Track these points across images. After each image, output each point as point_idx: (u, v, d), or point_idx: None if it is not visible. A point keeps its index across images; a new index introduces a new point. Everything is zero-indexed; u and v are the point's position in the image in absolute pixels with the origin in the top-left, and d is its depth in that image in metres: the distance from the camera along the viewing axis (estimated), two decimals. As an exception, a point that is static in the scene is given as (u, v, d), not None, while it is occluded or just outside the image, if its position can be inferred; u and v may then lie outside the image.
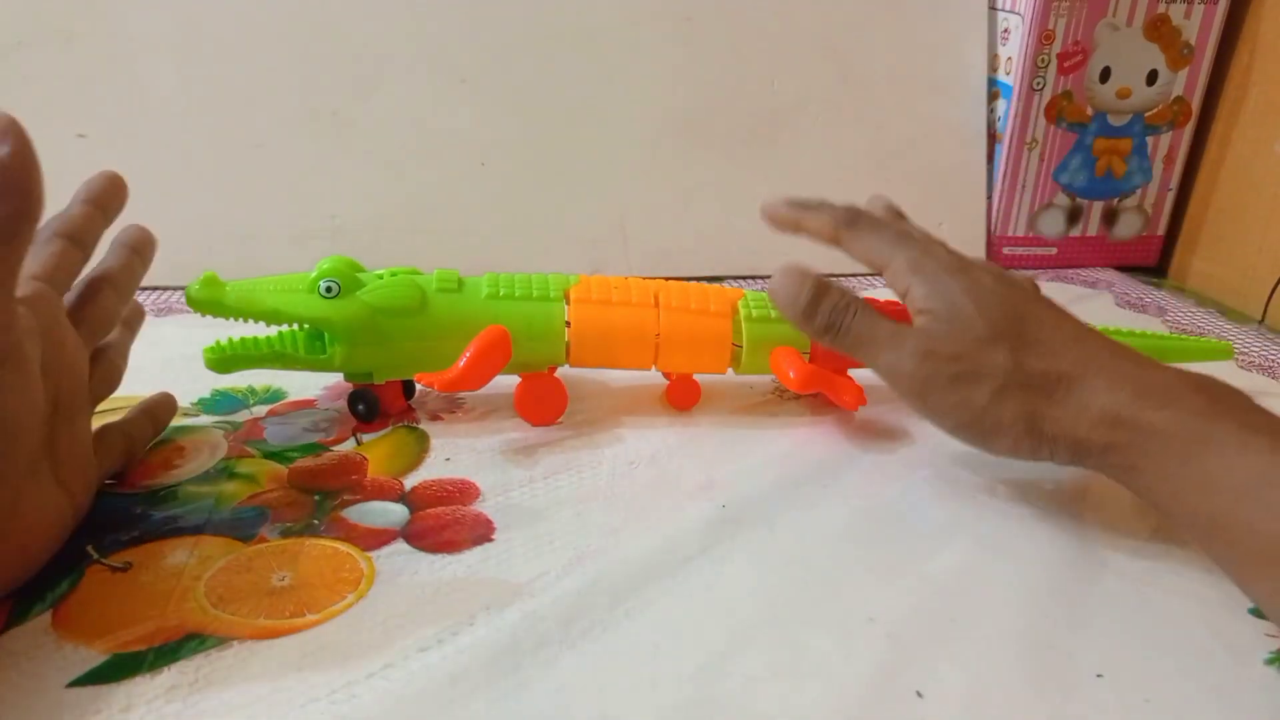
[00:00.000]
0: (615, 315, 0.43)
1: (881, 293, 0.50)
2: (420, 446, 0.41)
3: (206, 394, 0.45)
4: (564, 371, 0.44)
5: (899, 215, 0.43)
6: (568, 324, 0.42)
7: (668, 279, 0.46)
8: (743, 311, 0.44)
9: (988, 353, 0.35)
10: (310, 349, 0.42)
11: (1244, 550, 0.30)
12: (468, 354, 0.40)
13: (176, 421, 0.42)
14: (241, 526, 0.35)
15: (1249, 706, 0.28)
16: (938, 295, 0.36)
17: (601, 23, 0.65)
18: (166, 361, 0.48)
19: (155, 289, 0.58)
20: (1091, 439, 0.33)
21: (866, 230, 0.39)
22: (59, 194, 0.58)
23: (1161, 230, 0.72)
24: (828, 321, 0.38)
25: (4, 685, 0.27)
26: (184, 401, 0.43)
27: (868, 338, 0.37)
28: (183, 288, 0.59)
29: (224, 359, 0.41)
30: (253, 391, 0.46)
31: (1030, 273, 0.70)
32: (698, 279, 0.48)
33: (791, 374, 0.42)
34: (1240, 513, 0.29)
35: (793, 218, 0.41)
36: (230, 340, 0.41)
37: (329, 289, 0.40)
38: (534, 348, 0.42)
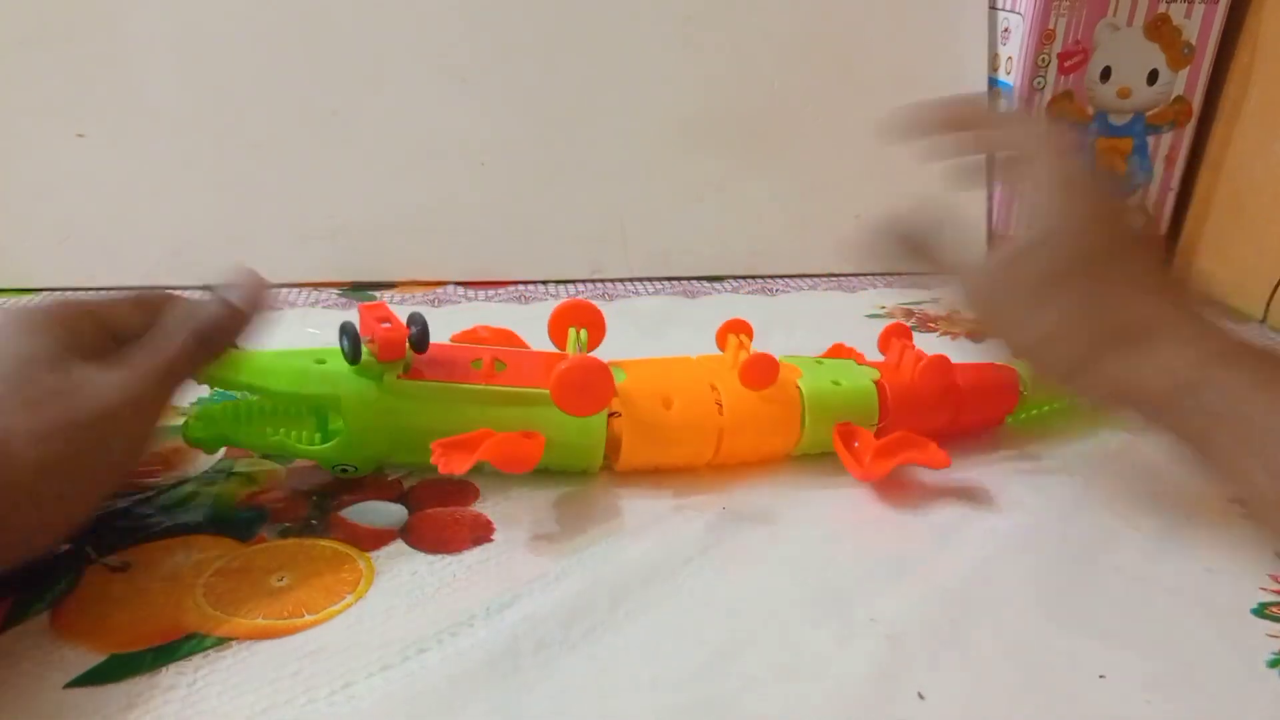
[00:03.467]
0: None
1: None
2: (420, 446, 0.41)
3: (206, 394, 0.45)
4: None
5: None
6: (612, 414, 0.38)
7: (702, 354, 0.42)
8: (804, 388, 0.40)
9: (1067, 278, 0.34)
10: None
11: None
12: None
13: (176, 421, 0.42)
14: (241, 526, 0.35)
15: (1252, 709, 0.28)
16: (1043, 210, 0.36)
17: (602, 23, 0.65)
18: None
19: (154, 289, 0.58)
20: (1155, 390, 0.33)
21: (1014, 123, 0.41)
22: (58, 194, 0.58)
23: (1162, 230, 0.72)
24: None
25: (4, 685, 0.27)
26: (183, 402, 0.43)
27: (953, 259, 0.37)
28: (181, 287, 0.60)
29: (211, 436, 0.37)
30: (252, 391, 0.46)
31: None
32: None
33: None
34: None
35: (941, 118, 0.42)
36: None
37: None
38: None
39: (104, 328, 0.33)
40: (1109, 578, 0.34)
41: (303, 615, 0.30)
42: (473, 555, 0.34)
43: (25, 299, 0.34)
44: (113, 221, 0.59)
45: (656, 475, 0.39)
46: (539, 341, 0.42)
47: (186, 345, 0.33)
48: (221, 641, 0.29)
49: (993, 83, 0.70)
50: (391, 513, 0.36)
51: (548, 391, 0.35)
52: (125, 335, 0.34)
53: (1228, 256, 0.68)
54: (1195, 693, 0.29)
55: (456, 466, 0.33)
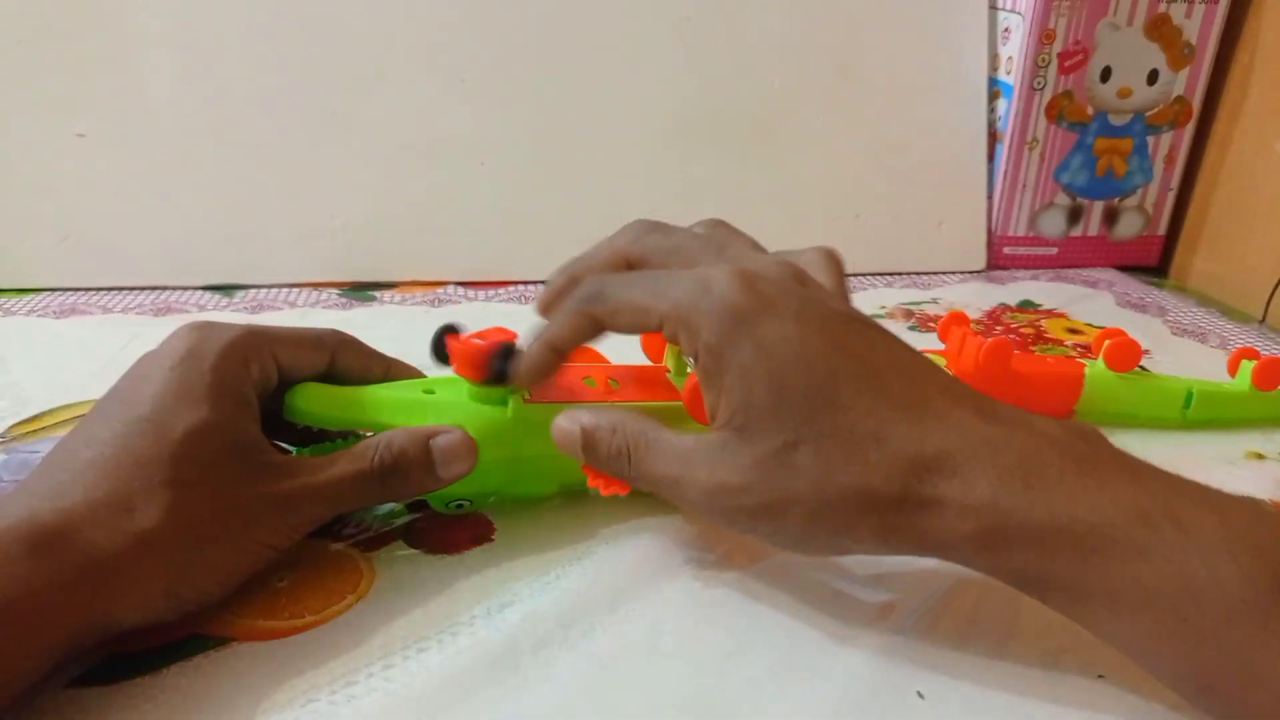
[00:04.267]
0: None
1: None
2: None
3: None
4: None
5: (656, 229, 0.34)
6: None
7: None
8: None
9: (789, 465, 0.27)
10: None
11: (1171, 669, 0.26)
12: None
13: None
14: (241, 526, 0.35)
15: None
16: (723, 373, 0.28)
17: (601, 22, 0.65)
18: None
19: (154, 289, 0.58)
20: (949, 541, 0.27)
21: (618, 295, 0.31)
22: (58, 194, 0.58)
23: (1162, 230, 0.72)
24: (614, 471, 0.31)
25: (3, 685, 0.27)
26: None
27: (658, 477, 0.30)
28: (181, 287, 0.60)
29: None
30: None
31: (1031, 272, 0.70)
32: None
33: None
34: (1161, 631, 0.25)
35: (548, 351, 0.32)
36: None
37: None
38: None
39: (278, 364, 0.32)
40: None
41: (304, 615, 0.30)
42: (473, 555, 0.34)
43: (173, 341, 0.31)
44: (113, 221, 0.59)
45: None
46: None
47: (362, 479, 0.31)
48: (222, 641, 0.29)
49: (993, 82, 0.70)
50: (392, 513, 0.36)
51: (677, 404, 0.34)
52: (295, 375, 0.33)
53: (1228, 256, 0.68)
54: (1195, 693, 0.29)
55: (619, 488, 0.32)
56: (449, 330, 0.35)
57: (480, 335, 0.34)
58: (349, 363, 0.34)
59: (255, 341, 0.31)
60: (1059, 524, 0.26)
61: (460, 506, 0.36)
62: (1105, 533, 0.25)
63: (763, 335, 0.28)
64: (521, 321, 0.38)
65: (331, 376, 0.34)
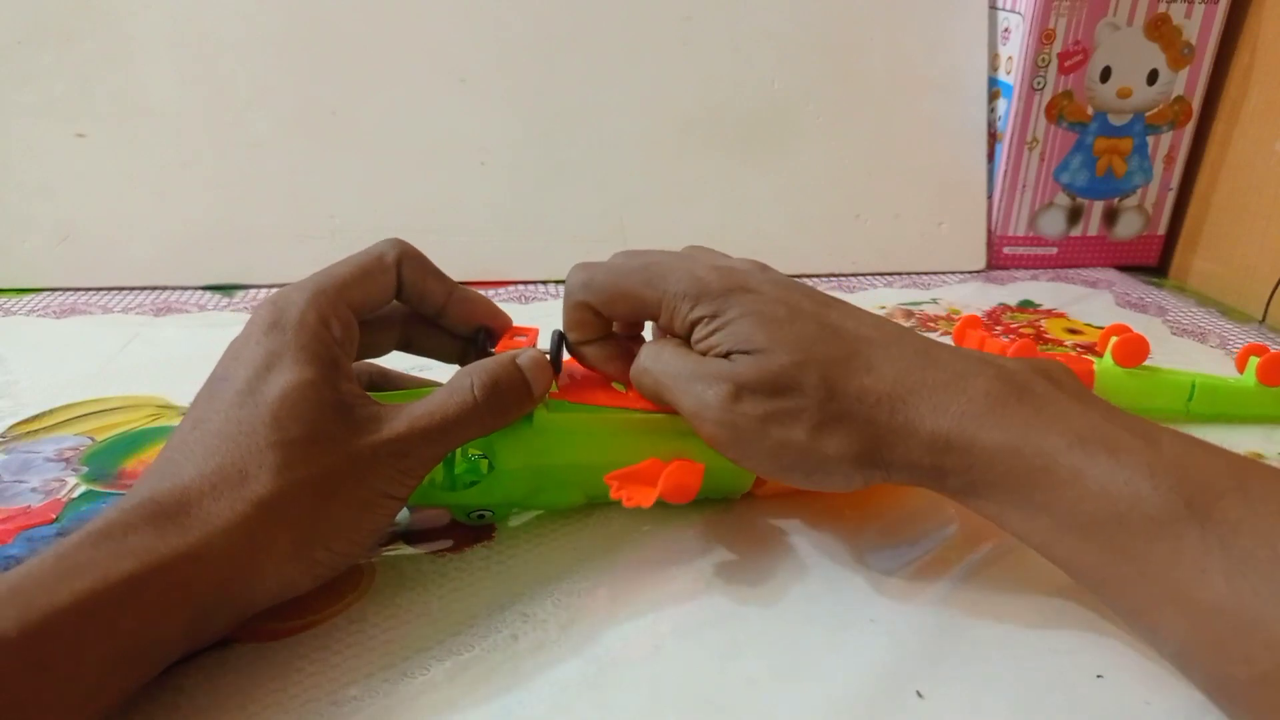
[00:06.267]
0: None
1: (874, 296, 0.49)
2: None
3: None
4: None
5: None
6: None
7: None
8: None
9: (798, 382, 0.30)
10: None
11: (1109, 592, 0.29)
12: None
13: (176, 423, 0.42)
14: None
15: (1250, 707, 0.28)
16: (735, 320, 0.31)
17: (601, 22, 0.65)
18: (167, 361, 0.48)
19: (155, 289, 0.58)
20: (922, 463, 0.30)
21: (608, 282, 0.33)
22: (58, 194, 0.58)
23: (1162, 230, 0.72)
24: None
25: (3, 686, 0.27)
26: (184, 402, 0.43)
27: (671, 374, 0.32)
28: (181, 287, 0.60)
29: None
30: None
31: (1031, 272, 0.70)
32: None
33: None
34: (1097, 551, 0.28)
35: (583, 346, 0.35)
36: None
37: None
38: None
39: (356, 311, 0.32)
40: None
41: (304, 615, 0.30)
42: (473, 555, 0.34)
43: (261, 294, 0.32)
44: (113, 221, 0.59)
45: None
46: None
47: (470, 411, 0.31)
48: (223, 642, 0.29)
49: (993, 82, 0.70)
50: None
51: None
52: (372, 308, 0.33)
53: (1227, 256, 0.68)
54: (1194, 694, 0.29)
55: (644, 500, 0.32)
56: (488, 333, 0.36)
57: (514, 334, 0.36)
58: (414, 279, 0.34)
59: (327, 298, 0.31)
60: (1011, 447, 0.28)
61: (482, 517, 0.36)
62: (1047, 457, 0.28)
63: (749, 300, 0.31)
64: (522, 321, 0.38)
65: (401, 295, 0.35)
